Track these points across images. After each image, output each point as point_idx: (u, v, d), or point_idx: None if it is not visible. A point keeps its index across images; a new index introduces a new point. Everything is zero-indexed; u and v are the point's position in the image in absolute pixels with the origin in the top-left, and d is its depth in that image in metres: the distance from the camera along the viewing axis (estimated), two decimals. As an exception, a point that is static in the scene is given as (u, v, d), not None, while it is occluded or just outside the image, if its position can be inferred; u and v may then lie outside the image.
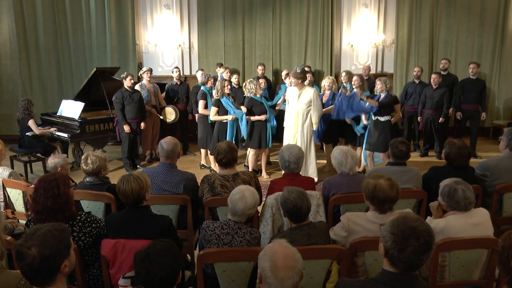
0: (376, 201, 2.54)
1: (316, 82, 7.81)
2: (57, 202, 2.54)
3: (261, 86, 6.27)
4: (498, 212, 3.58)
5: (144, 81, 7.15)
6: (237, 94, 7.25)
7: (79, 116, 6.66)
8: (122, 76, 6.61)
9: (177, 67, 7.74)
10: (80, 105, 6.73)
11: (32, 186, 3.23)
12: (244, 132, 6.14)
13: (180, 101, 7.62)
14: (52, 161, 3.69)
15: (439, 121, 7.06)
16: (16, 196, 3.82)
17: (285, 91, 6.41)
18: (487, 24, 8.42)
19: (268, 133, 6.24)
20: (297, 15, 8.75)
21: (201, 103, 6.47)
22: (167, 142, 3.57)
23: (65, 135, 6.63)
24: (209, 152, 6.52)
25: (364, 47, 8.84)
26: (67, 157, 4.07)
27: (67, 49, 8.96)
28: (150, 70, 7.25)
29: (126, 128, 6.53)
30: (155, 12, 8.99)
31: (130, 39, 8.84)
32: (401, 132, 7.64)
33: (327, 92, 6.53)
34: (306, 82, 6.33)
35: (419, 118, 7.35)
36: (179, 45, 9.09)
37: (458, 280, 2.57)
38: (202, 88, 6.59)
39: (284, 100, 6.36)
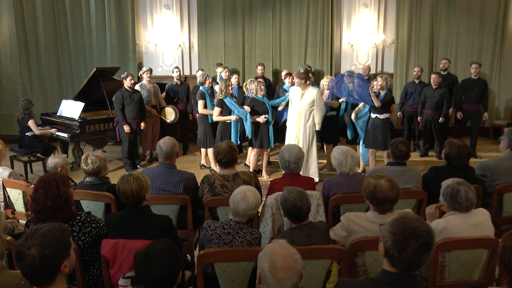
0: (376, 201, 2.54)
1: (316, 82, 7.80)
2: (56, 201, 2.54)
3: (262, 87, 6.24)
4: (498, 212, 3.58)
5: (144, 81, 7.16)
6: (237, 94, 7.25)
7: (79, 116, 6.66)
8: (122, 76, 6.61)
9: (177, 67, 7.74)
10: (80, 105, 6.73)
11: (32, 186, 3.23)
12: (249, 132, 6.12)
13: (180, 101, 7.62)
14: (52, 161, 3.69)
15: (439, 121, 7.06)
16: (16, 196, 3.82)
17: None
18: (487, 24, 8.42)
19: (270, 133, 6.23)
20: (297, 15, 8.74)
21: (200, 103, 6.47)
22: (165, 143, 3.56)
23: (65, 135, 6.63)
24: (209, 151, 6.51)
25: (364, 47, 8.84)
26: (67, 157, 4.07)
27: (67, 49, 8.95)
28: (150, 70, 7.25)
29: (126, 128, 6.52)
30: (155, 12, 8.99)
31: (130, 39, 8.84)
32: (401, 132, 7.65)
33: (326, 92, 6.53)
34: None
35: (419, 118, 7.34)
36: (179, 45, 9.09)
37: (458, 280, 2.57)
38: (200, 88, 6.59)
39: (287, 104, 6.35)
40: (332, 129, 6.50)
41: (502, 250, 1.74)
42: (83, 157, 3.43)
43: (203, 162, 6.86)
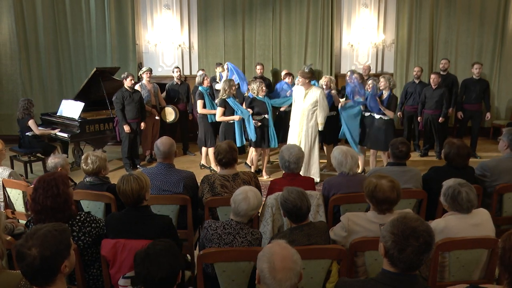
0: (375, 201, 2.54)
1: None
2: (56, 201, 2.54)
3: (263, 87, 6.22)
4: (498, 212, 3.58)
5: (144, 81, 7.16)
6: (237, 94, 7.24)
7: (79, 116, 6.67)
8: (122, 76, 6.61)
9: (177, 67, 7.74)
10: (80, 105, 6.73)
11: (32, 186, 3.23)
12: (251, 133, 6.10)
13: (180, 101, 7.62)
14: (52, 161, 3.69)
15: (439, 121, 7.06)
16: (16, 196, 3.82)
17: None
18: (487, 24, 8.42)
19: (271, 133, 6.22)
20: (297, 15, 8.74)
21: (199, 103, 6.46)
22: (162, 143, 3.56)
23: (65, 135, 6.63)
24: (210, 151, 6.51)
25: (364, 47, 8.84)
26: (67, 157, 4.07)
27: (67, 49, 8.95)
28: (150, 70, 7.25)
29: (126, 128, 6.52)
30: (155, 12, 8.99)
31: (130, 39, 8.84)
32: (401, 132, 7.65)
33: (325, 92, 6.51)
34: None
35: (419, 118, 7.34)
36: (179, 45, 9.09)
37: (458, 280, 2.57)
38: (199, 88, 6.59)
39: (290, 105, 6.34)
40: (332, 129, 6.49)
41: (502, 252, 1.74)
42: (83, 157, 3.43)
43: (203, 162, 6.85)
